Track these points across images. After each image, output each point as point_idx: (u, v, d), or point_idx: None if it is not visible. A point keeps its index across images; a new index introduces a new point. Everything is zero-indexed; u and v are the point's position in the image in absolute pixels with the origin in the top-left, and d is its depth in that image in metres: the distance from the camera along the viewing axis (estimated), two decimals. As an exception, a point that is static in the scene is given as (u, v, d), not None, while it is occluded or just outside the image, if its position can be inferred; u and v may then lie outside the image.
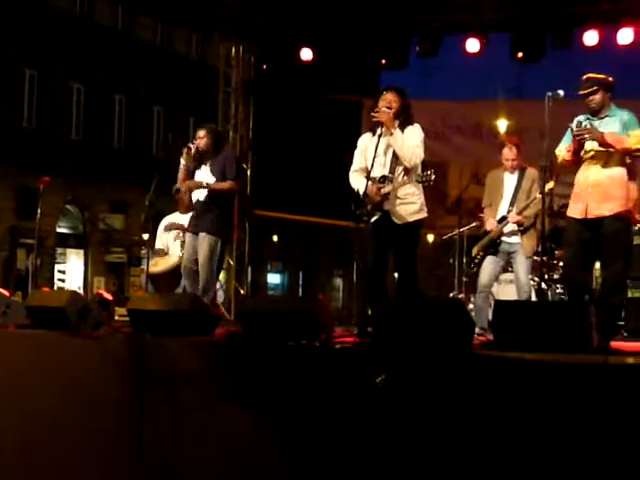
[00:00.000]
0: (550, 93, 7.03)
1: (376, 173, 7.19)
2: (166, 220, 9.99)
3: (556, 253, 9.94)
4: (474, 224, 10.99)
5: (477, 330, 7.56)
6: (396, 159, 7.25)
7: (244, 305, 7.13)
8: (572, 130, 7.13)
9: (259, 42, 14.37)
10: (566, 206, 7.64)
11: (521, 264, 8.39)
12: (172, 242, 9.75)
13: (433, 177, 7.09)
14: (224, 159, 8.63)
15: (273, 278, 36.08)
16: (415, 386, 4.87)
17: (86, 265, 27.44)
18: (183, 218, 9.53)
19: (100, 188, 26.05)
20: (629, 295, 9.55)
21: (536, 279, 8.82)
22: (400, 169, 7.26)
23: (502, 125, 16.21)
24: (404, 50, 13.38)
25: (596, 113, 7.23)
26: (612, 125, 7.15)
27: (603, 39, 12.17)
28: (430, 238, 21.66)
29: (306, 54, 13.52)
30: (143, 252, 11.17)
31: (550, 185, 8.06)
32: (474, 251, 8.73)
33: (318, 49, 13.52)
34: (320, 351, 5.52)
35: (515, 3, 11.96)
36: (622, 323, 9.50)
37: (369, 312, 7.05)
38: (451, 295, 10.99)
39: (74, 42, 25.48)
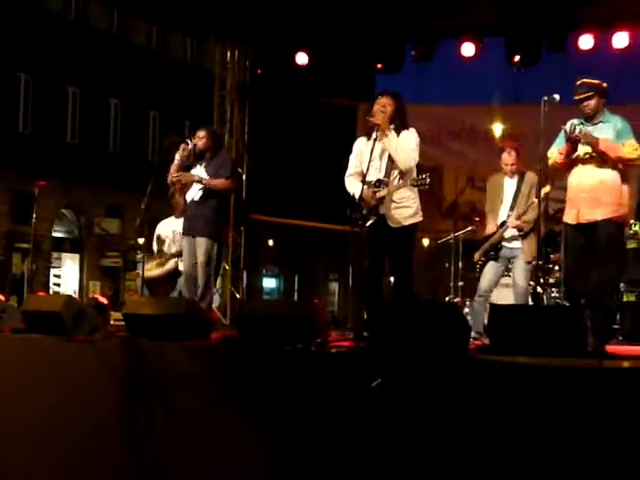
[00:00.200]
0: (546, 97, 7.04)
1: (371, 177, 7.20)
2: (162, 224, 9.98)
3: (551, 257, 9.95)
4: (469, 228, 11.02)
5: (473, 334, 7.57)
6: (391, 163, 7.25)
7: (240, 309, 7.14)
8: (566, 132, 7.14)
9: (254, 46, 14.38)
10: (561, 210, 7.66)
11: (520, 269, 8.40)
12: (167, 247, 9.74)
13: (428, 181, 7.09)
14: (220, 162, 8.62)
15: (269, 282, 36.03)
16: (411, 390, 4.87)
17: (81, 269, 27.40)
18: (178, 222, 9.52)
19: (96, 192, 26.01)
20: (624, 299, 9.60)
21: (532, 283, 8.84)
22: (395, 173, 7.26)
23: (498, 129, 16.22)
24: (399, 54, 13.38)
25: (590, 119, 7.24)
26: (606, 131, 7.17)
27: (598, 43, 12.18)
28: (425, 242, 21.66)
29: (301, 58, 13.52)
30: (139, 256, 11.16)
31: (546, 189, 8.09)
32: (476, 256, 8.74)
33: (313, 53, 13.52)
34: (316, 355, 5.52)
35: (510, 7, 11.97)
36: (617, 327, 9.54)
37: (365, 316, 7.06)
38: (447, 299, 11.00)
39: (69, 46, 25.45)
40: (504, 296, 9.29)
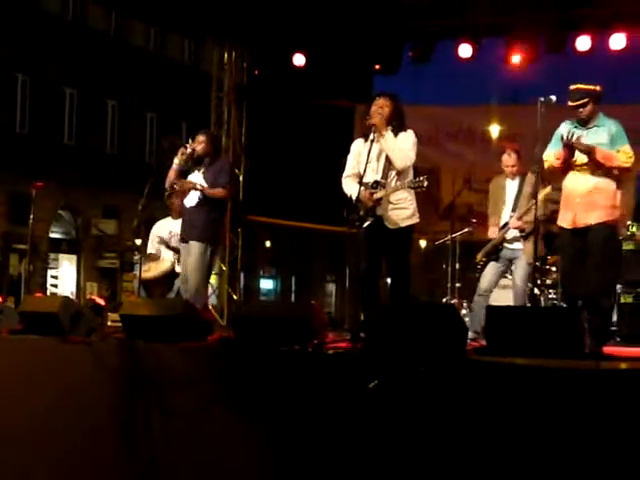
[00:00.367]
0: (542, 98, 7.02)
1: (369, 178, 7.19)
2: (158, 225, 9.97)
3: (549, 259, 9.96)
4: (466, 230, 11.01)
5: (470, 334, 7.57)
6: (389, 164, 7.26)
7: (237, 310, 7.14)
8: (562, 138, 7.14)
9: (252, 47, 14.37)
10: (557, 212, 7.67)
11: (521, 270, 8.41)
12: (165, 248, 9.73)
13: (426, 183, 7.09)
14: (219, 168, 8.60)
15: (266, 283, 36.03)
16: (408, 391, 4.87)
17: (79, 270, 27.38)
18: (175, 223, 9.51)
19: (93, 193, 26.00)
20: (621, 300, 9.60)
21: (529, 284, 8.84)
22: (393, 174, 7.26)
23: (495, 130, 16.21)
24: (397, 55, 13.38)
25: (585, 123, 7.24)
26: (600, 135, 7.17)
27: (596, 44, 12.18)
28: (422, 243, 21.67)
29: (298, 59, 13.50)
30: (136, 257, 11.15)
31: (547, 190, 8.09)
32: (478, 257, 8.76)
33: (310, 54, 13.51)
34: (313, 356, 5.52)
35: (508, 8, 11.97)
36: (615, 328, 9.54)
37: (362, 317, 7.06)
38: (444, 300, 11.00)
39: (67, 47, 25.44)
40: (504, 297, 9.28)
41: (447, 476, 4.70)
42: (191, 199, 8.51)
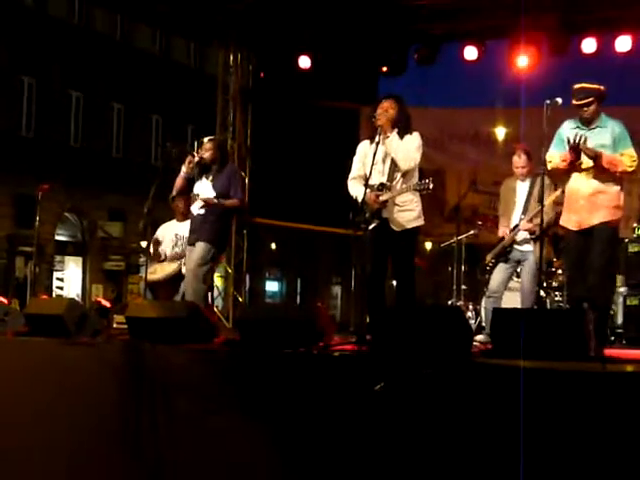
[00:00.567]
0: (548, 101, 7.00)
1: (374, 181, 7.19)
2: (164, 227, 9.97)
3: (554, 261, 9.95)
4: (472, 232, 11.00)
5: (483, 337, 7.57)
6: (394, 167, 7.25)
7: (242, 312, 7.15)
8: (568, 141, 7.12)
9: (257, 50, 14.38)
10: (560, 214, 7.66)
11: (530, 272, 8.40)
12: (170, 249, 9.73)
13: (431, 186, 7.08)
14: (228, 176, 8.56)
15: (271, 286, 36.02)
16: (414, 394, 4.86)
17: (84, 273, 27.41)
18: (180, 226, 9.52)
19: (99, 196, 26.03)
20: (627, 303, 9.60)
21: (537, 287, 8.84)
22: (398, 176, 7.26)
23: (500, 133, 16.19)
24: (402, 58, 13.38)
25: (587, 123, 7.23)
26: (603, 136, 7.15)
27: (601, 46, 12.17)
28: (428, 246, 21.64)
29: (304, 62, 13.51)
30: (141, 260, 11.16)
31: (557, 194, 8.09)
32: (487, 258, 8.76)
33: (316, 57, 13.51)
34: (318, 358, 5.52)
35: (512, 10, 11.96)
36: (621, 331, 9.54)
37: (367, 319, 7.06)
38: (450, 303, 10.99)
39: (73, 50, 25.48)
40: (512, 300, 9.26)
41: (453, 477, 4.70)
42: (199, 208, 8.50)
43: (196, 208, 8.54)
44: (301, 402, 5.24)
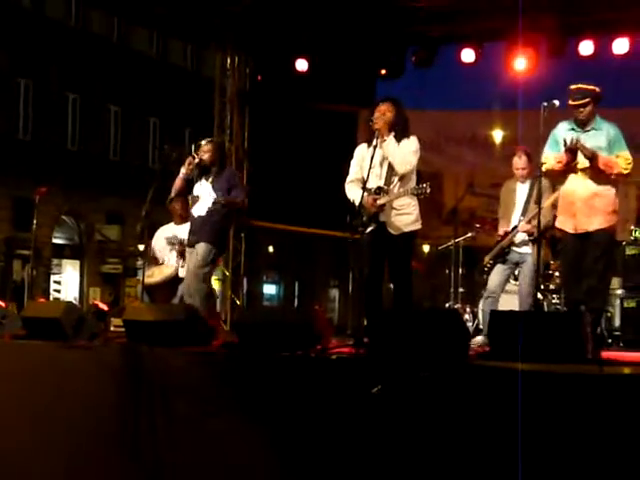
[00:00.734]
0: (546, 103, 7.01)
1: (372, 184, 7.19)
2: (161, 230, 9.97)
3: (552, 264, 9.95)
4: (469, 234, 11.01)
5: (482, 339, 7.57)
6: (392, 170, 7.25)
7: (240, 315, 7.15)
8: (565, 143, 7.12)
9: (255, 53, 14.39)
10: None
11: (528, 274, 8.39)
12: (168, 252, 9.73)
13: (429, 190, 7.08)
14: (228, 178, 8.57)
15: (269, 289, 36.01)
16: (411, 396, 4.87)
17: (82, 276, 27.39)
18: (178, 229, 9.52)
19: (96, 199, 26.02)
20: (625, 305, 9.60)
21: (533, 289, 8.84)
22: (396, 180, 7.26)
23: (498, 135, 16.21)
24: (400, 60, 13.39)
25: (582, 125, 7.23)
26: (598, 138, 7.16)
27: (598, 49, 12.18)
28: (426, 248, 21.66)
29: (301, 64, 13.52)
30: (139, 263, 11.16)
31: (556, 195, 8.08)
32: (485, 259, 8.76)
33: (313, 59, 13.52)
34: (316, 361, 5.52)
35: (509, 13, 11.96)
36: (618, 333, 9.55)
37: (365, 322, 7.06)
38: (447, 305, 10.99)
39: (70, 53, 25.46)
40: (510, 303, 9.27)
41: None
42: (200, 208, 8.50)
43: (196, 210, 8.54)
44: (299, 405, 5.25)
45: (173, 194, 8.76)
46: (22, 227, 21.47)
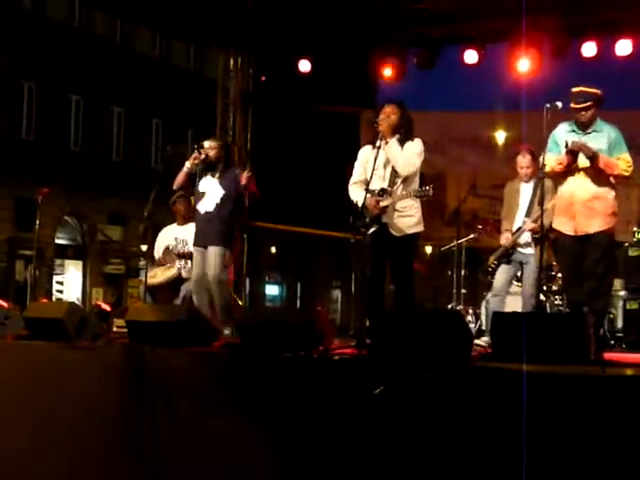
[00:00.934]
0: (548, 105, 7.00)
1: (375, 186, 7.20)
2: (164, 231, 9.97)
3: (554, 265, 9.94)
4: (472, 236, 10.99)
5: (487, 339, 7.55)
6: (395, 172, 7.26)
7: (242, 316, 7.15)
8: (566, 145, 7.12)
9: (257, 53, 14.39)
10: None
11: (531, 275, 8.37)
12: (169, 253, 9.72)
13: (431, 192, 7.08)
14: (234, 176, 8.57)
15: (271, 289, 36.01)
16: (413, 398, 4.87)
17: (84, 276, 27.42)
18: (181, 229, 9.53)
19: (99, 199, 26.05)
20: (627, 307, 9.59)
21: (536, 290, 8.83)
22: (399, 182, 7.26)
23: (500, 136, 16.20)
24: (402, 61, 13.38)
25: (584, 127, 7.23)
26: (599, 141, 7.16)
27: (601, 50, 12.17)
28: (428, 249, 21.65)
29: (304, 65, 13.51)
30: (141, 263, 11.17)
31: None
32: (490, 260, 8.75)
33: (316, 60, 13.51)
34: (318, 362, 5.52)
35: (512, 13, 11.96)
36: (621, 335, 9.54)
37: (367, 323, 7.06)
38: (449, 307, 10.99)
39: (72, 54, 25.49)
40: (513, 304, 9.26)
41: (453, 482, 4.70)
42: (207, 204, 8.48)
43: (202, 205, 8.53)
44: (301, 405, 5.25)
45: (175, 187, 8.75)
46: (25, 227, 21.51)
